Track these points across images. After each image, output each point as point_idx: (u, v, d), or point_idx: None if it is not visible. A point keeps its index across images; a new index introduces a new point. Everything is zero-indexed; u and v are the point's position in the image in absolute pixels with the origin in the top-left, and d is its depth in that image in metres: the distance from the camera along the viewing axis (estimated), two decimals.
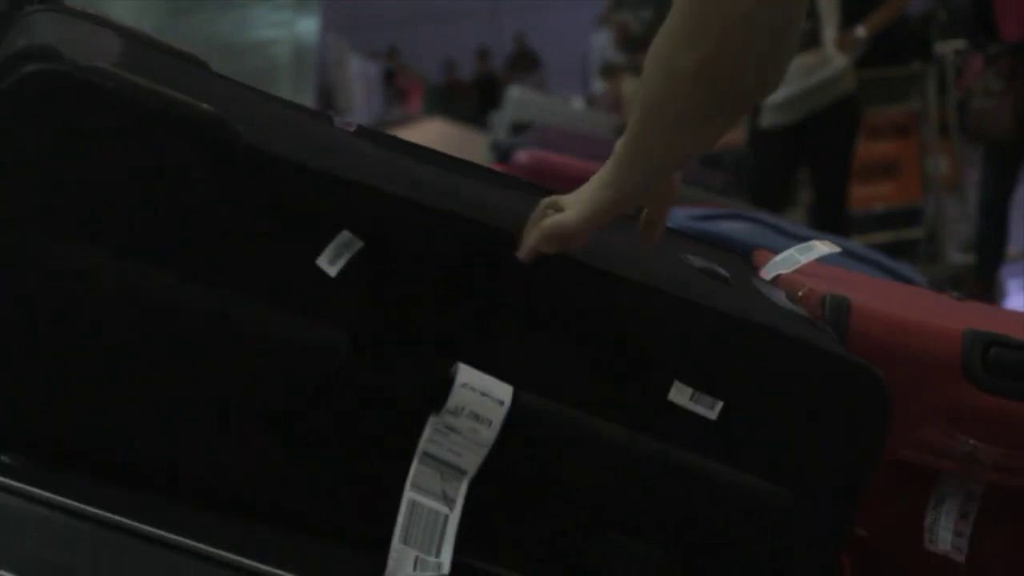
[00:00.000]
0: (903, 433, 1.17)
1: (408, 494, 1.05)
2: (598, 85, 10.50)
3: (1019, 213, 5.81)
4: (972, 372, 1.22)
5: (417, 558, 1.03)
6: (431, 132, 6.71)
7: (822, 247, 1.32)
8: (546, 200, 1.15)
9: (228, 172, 1.06)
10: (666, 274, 1.19)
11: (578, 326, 1.11)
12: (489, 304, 1.09)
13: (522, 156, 3.43)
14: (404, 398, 1.07)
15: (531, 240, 1.09)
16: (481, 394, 1.06)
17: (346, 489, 1.07)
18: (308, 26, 6.34)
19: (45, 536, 0.93)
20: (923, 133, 6.98)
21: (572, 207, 1.12)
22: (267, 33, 6.21)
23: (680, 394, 1.12)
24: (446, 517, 1.05)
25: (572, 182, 2.14)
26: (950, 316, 1.32)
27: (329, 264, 1.05)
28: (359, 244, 1.05)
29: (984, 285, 5.72)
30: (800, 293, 1.28)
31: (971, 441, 1.21)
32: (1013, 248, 6.08)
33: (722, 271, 1.27)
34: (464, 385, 1.06)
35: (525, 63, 15.12)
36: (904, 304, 1.35)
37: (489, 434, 1.06)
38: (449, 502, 1.05)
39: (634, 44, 7.04)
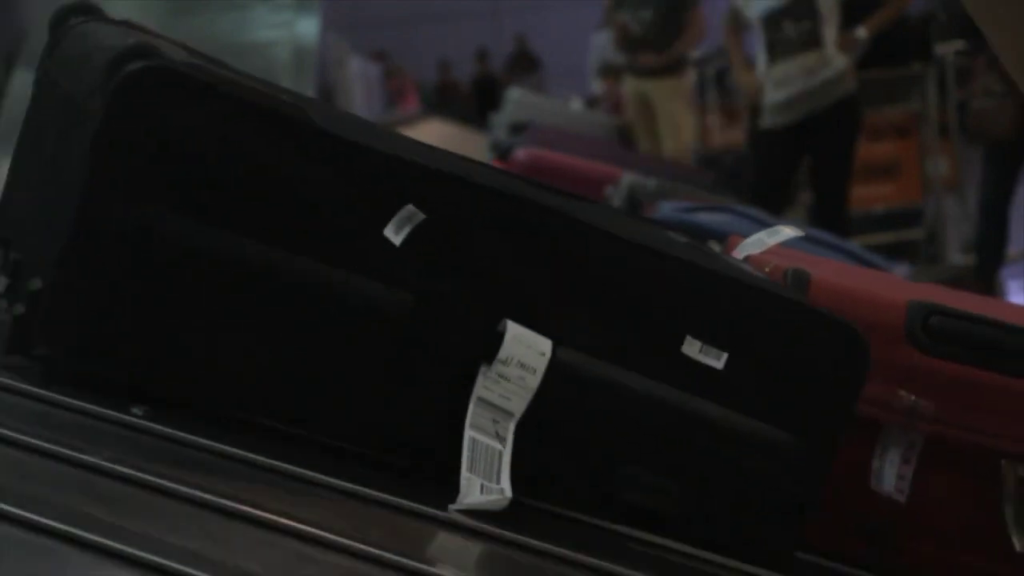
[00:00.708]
0: None
1: (468, 432, 1.26)
2: (596, 86, 10.70)
3: (1019, 214, 5.98)
4: (915, 337, 1.45)
5: (482, 485, 1.24)
6: (431, 132, 6.91)
7: (788, 231, 1.55)
8: None
9: (307, 154, 1.27)
10: (673, 246, 1.41)
11: (605, 290, 1.32)
12: (530, 270, 1.31)
13: (521, 154, 3.66)
14: (460, 350, 1.28)
15: None
16: (527, 346, 1.28)
17: (416, 425, 1.29)
18: (308, 27, 6.43)
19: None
20: (923, 134, 7.20)
21: None
22: (267, 34, 6.33)
23: (691, 347, 1.33)
24: (500, 452, 1.26)
25: (568, 179, 2.37)
26: (899, 290, 1.54)
27: (394, 234, 1.27)
28: (420, 216, 1.27)
29: (984, 286, 5.77)
30: (767, 269, 1.50)
31: (912, 397, 1.44)
32: (1013, 249, 6.25)
33: (708, 248, 1.49)
34: (513, 338, 1.28)
35: (524, 64, 15.31)
36: (858, 280, 1.58)
37: (534, 381, 1.27)
38: (502, 440, 1.27)
39: (634, 44, 7.23)
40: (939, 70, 7.31)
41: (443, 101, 14.12)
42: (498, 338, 1.27)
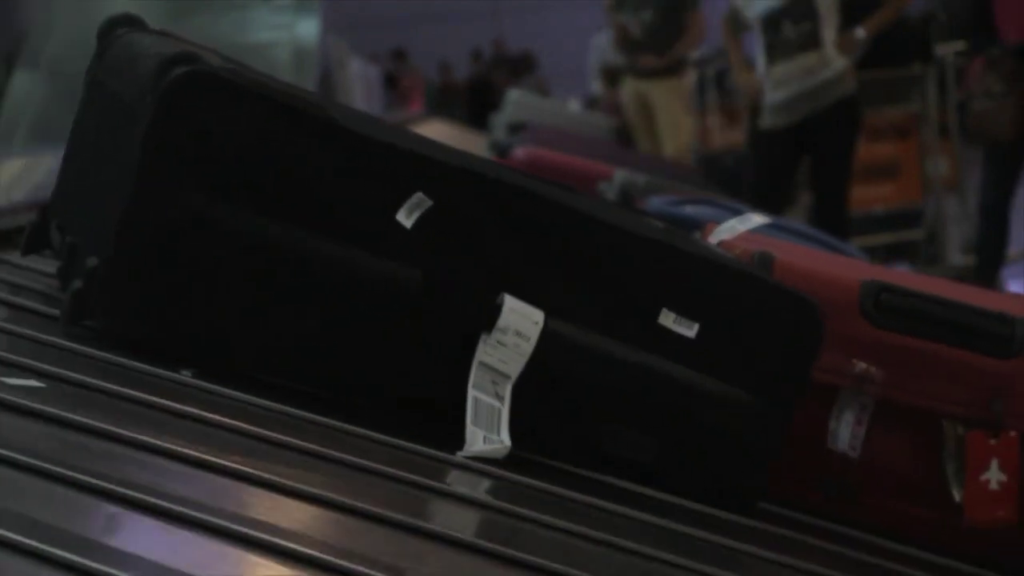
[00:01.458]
0: None
1: (471, 392, 1.50)
2: (595, 87, 10.86)
3: (1019, 214, 5.96)
4: (867, 312, 1.70)
5: (485, 436, 1.48)
6: (433, 132, 7.08)
7: (757, 219, 1.80)
8: None
9: (331, 149, 1.51)
10: (653, 231, 1.65)
11: (591, 268, 1.56)
12: (524, 250, 1.55)
13: (519, 152, 3.90)
14: (464, 320, 1.52)
15: None
16: (522, 317, 1.52)
17: (426, 384, 1.53)
18: (308, 28, 6.54)
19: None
20: (923, 134, 7.20)
21: None
22: (267, 35, 6.42)
23: (666, 318, 1.57)
24: (499, 410, 1.50)
25: (564, 176, 2.60)
26: (854, 271, 1.79)
27: (406, 218, 1.51)
28: (428, 203, 1.51)
29: (984, 286, 5.94)
30: (737, 252, 1.74)
31: (864, 365, 1.69)
32: (1013, 249, 6.20)
33: (686, 234, 1.73)
34: (510, 310, 1.52)
35: (523, 65, 15.48)
36: (818, 262, 1.83)
37: (528, 347, 1.51)
38: (501, 399, 1.50)
39: (633, 46, 7.31)
40: (939, 70, 7.30)
41: (444, 102, 14.29)
42: (497, 310, 1.51)
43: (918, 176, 7.27)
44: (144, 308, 1.49)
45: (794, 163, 6.01)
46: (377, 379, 1.53)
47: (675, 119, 7.42)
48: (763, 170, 6.05)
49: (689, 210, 2.38)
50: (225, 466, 1.18)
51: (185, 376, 1.44)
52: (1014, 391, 1.69)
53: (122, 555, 0.91)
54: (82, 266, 1.50)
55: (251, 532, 1.01)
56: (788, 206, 6.33)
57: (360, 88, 8.67)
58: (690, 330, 1.57)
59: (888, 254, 6.95)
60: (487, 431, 1.48)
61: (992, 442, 1.68)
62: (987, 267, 6.05)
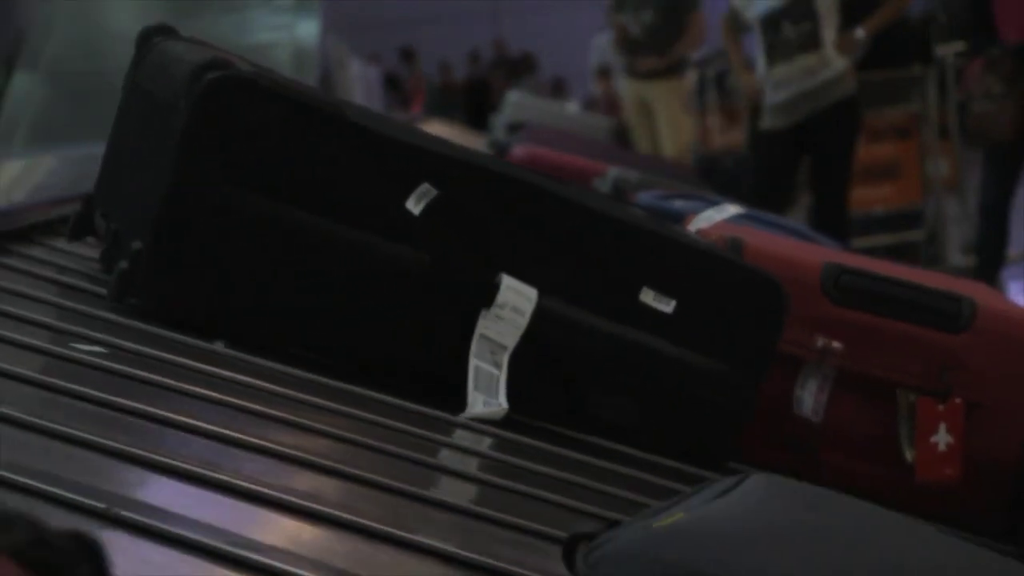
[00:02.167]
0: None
1: (472, 361, 1.75)
2: (593, 87, 11.06)
3: (1019, 215, 6.05)
4: (828, 291, 1.96)
5: (484, 400, 1.73)
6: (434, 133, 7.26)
7: (732, 209, 2.07)
8: None
9: (347, 144, 1.76)
10: (637, 219, 1.91)
11: (579, 251, 1.82)
12: (520, 234, 1.80)
13: (518, 151, 4.15)
14: (467, 297, 1.78)
15: None
16: (518, 294, 1.78)
17: (433, 354, 1.78)
18: (308, 29, 6.72)
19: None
20: (923, 135, 7.32)
21: None
22: (267, 36, 6.58)
23: (647, 296, 1.83)
24: (498, 376, 1.75)
25: (560, 173, 2.86)
26: (817, 255, 2.07)
27: (414, 206, 1.77)
28: (434, 192, 1.77)
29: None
30: (712, 238, 2.00)
31: (825, 339, 1.96)
32: (1013, 250, 6.28)
33: (667, 223, 2.00)
34: (507, 288, 1.77)
35: (522, 66, 15.68)
36: (784, 247, 2.11)
37: (523, 321, 1.77)
38: (499, 367, 1.76)
39: (633, 47, 7.47)
40: (939, 71, 7.41)
41: (443, 103, 14.48)
42: (495, 288, 1.76)
43: (918, 177, 7.38)
44: (180, 286, 1.73)
45: (794, 164, 6.11)
46: (388, 350, 1.78)
47: (675, 120, 7.59)
48: (763, 171, 6.16)
49: (678, 204, 2.64)
50: (254, 408, 1.44)
51: (218, 346, 1.69)
52: (960, 362, 1.95)
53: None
54: (127, 249, 1.74)
55: (276, 447, 1.27)
56: (788, 207, 6.38)
57: (360, 89, 8.88)
58: (668, 306, 1.83)
59: (888, 255, 7.07)
60: (487, 395, 1.73)
61: (940, 408, 1.94)
62: (987, 268, 6.10)
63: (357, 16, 13.97)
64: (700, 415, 1.85)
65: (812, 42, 5.82)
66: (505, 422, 1.72)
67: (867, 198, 7.18)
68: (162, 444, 1.26)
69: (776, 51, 5.89)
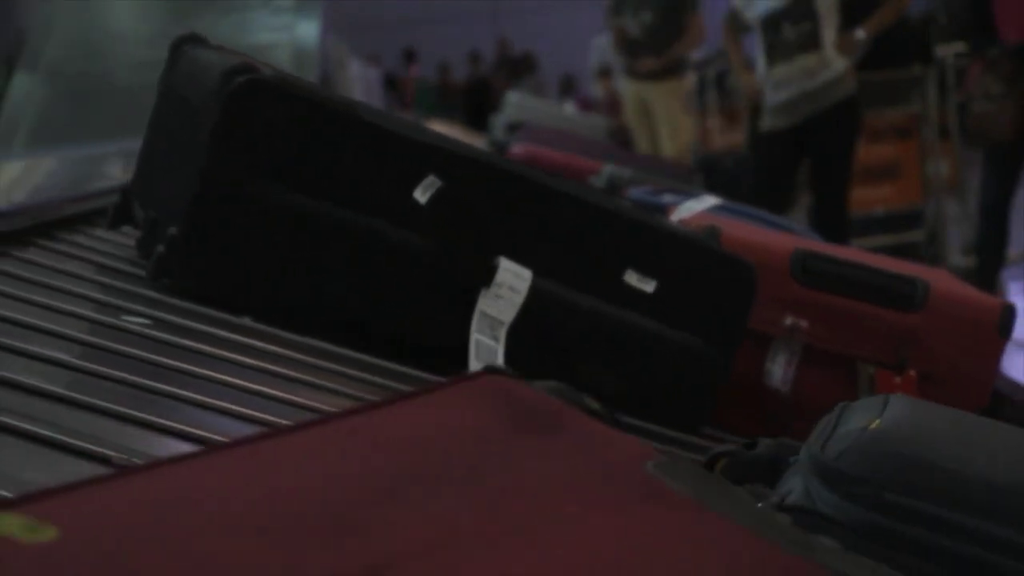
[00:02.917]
0: (753, 312, 2.19)
1: (473, 335, 2.01)
2: (594, 87, 11.21)
3: (1019, 215, 6.23)
4: (796, 274, 2.24)
5: None
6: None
7: (711, 200, 2.35)
8: None
9: (361, 140, 2.03)
10: (622, 208, 2.18)
11: (569, 236, 2.10)
12: (517, 221, 2.07)
13: (516, 149, 4.38)
14: (468, 278, 2.03)
15: None
16: (514, 275, 2.04)
17: (437, 330, 2.04)
18: (308, 29, 6.87)
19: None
20: (923, 135, 7.48)
21: None
22: (267, 37, 6.75)
23: (630, 277, 2.10)
24: (496, 349, 2.01)
25: (557, 170, 3.11)
26: (787, 242, 2.34)
27: (421, 196, 2.04)
28: (439, 184, 2.04)
29: (985, 287, 5.69)
30: (692, 227, 2.28)
31: (793, 318, 2.24)
32: (1014, 250, 6.48)
33: (652, 213, 2.27)
34: (505, 269, 2.04)
35: (510, 68, 15.84)
36: (758, 234, 2.38)
37: (519, 299, 2.03)
38: (497, 340, 2.03)
39: (633, 47, 7.66)
40: (939, 72, 7.56)
41: (442, 103, 14.64)
42: (494, 269, 2.03)
43: (918, 177, 7.53)
44: (211, 267, 1.98)
45: (794, 164, 6.24)
46: (398, 325, 2.05)
47: (674, 120, 7.78)
48: (763, 171, 6.29)
49: (667, 198, 2.90)
50: (277, 371, 1.73)
51: (246, 321, 1.95)
52: (915, 338, 2.23)
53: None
54: (164, 235, 1.98)
55: (298, 400, 1.56)
56: (788, 207, 6.53)
57: (360, 89, 9.05)
58: (649, 287, 2.10)
59: (889, 255, 7.14)
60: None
61: (897, 380, 2.21)
62: (987, 268, 6.26)
63: (357, 16, 14.09)
64: (678, 384, 2.11)
65: (812, 43, 5.96)
66: None
67: (867, 198, 7.33)
68: (202, 393, 1.54)
69: (776, 51, 6.04)
